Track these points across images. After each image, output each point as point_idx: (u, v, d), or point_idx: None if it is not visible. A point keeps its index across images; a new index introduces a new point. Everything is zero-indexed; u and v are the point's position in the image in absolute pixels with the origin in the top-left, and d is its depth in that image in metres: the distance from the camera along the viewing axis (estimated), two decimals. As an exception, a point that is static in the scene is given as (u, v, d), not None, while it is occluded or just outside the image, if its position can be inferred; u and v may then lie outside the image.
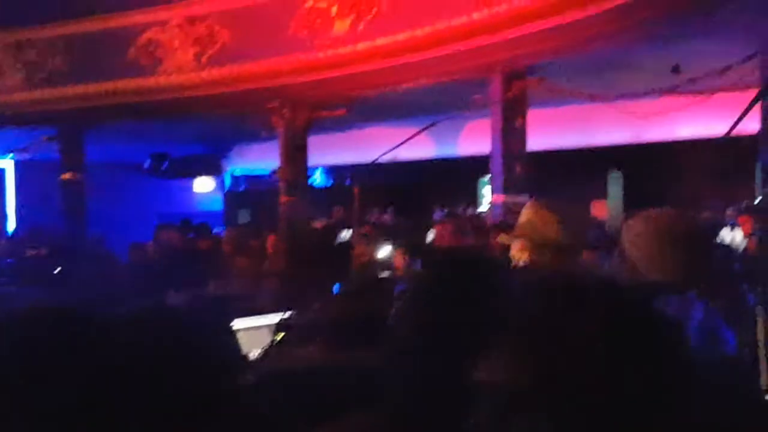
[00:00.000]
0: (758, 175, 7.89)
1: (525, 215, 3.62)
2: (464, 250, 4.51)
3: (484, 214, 13.03)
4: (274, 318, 5.39)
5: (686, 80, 8.94)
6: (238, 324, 5.54)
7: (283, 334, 4.01)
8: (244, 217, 17.49)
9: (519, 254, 3.45)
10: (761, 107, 6.60)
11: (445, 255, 2.46)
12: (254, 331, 5.45)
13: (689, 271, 2.94)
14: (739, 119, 6.57)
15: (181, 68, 12.20)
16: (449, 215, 13.78)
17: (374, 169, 13.89)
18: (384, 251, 7.22)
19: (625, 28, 8.42)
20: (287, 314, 5.53)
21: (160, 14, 12.29)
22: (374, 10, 10.45)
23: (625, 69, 10.03)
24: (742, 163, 10.81)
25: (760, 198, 7.65)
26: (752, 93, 6.91)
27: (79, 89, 12.88)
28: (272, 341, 4.14)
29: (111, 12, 12.41)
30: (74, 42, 12.83)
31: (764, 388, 2.96)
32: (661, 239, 3.00)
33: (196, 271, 9.70)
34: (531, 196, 9.47)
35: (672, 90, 9.68)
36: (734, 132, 7.37)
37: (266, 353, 3.89)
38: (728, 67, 7.71)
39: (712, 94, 9.31)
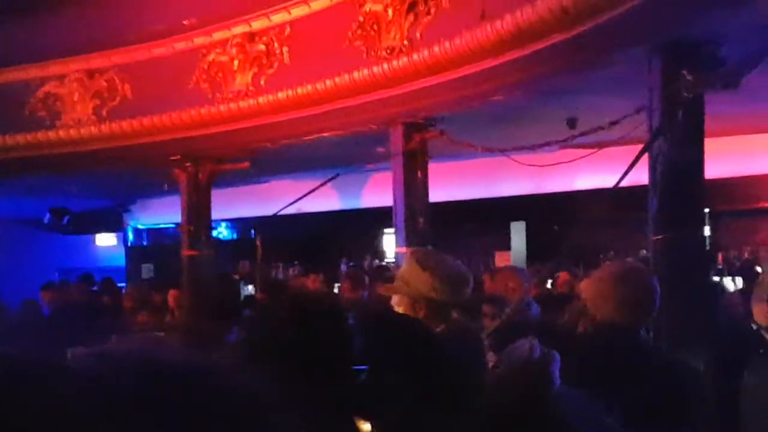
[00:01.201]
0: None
1: (401, 269, 3.61)
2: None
3: (389, 266, 13.09)
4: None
5: (581, 133, 9.20)
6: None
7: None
8: (147, 271, 17.23)
9: (397, 308, 3.40)
10: (649, 158, 6.83)
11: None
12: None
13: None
14: (628, 170, 6.79)
15: (80, 122, 12.04)
16: (354, 268, 13.82)
17: (280, 222, 13.88)
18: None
19: (520, 82, 8.64)
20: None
21: (59, 68, 12.14)
22: (276, 63, 10.52)
23: (523, 122, 10.27)
24: (642, 212, 11.17)
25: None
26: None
27: (-24, 144, 12.61)
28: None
29: (8, 66, 12.21)
30: (-30, 96, 12.58)
31: None
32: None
33: (96, 327, 9.50)
34: (434, 247, 9.57)
35: (569, 142, 9.95)
36: (632, 182, 7.65)
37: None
38: (617, 121, 7.97)
39: (609, 146, 9.59)
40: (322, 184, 9.70)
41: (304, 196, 10.66)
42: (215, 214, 13.12)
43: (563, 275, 10.37)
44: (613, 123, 7.95)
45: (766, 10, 5.88)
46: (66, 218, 17.37)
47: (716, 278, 12.05)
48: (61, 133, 12.22)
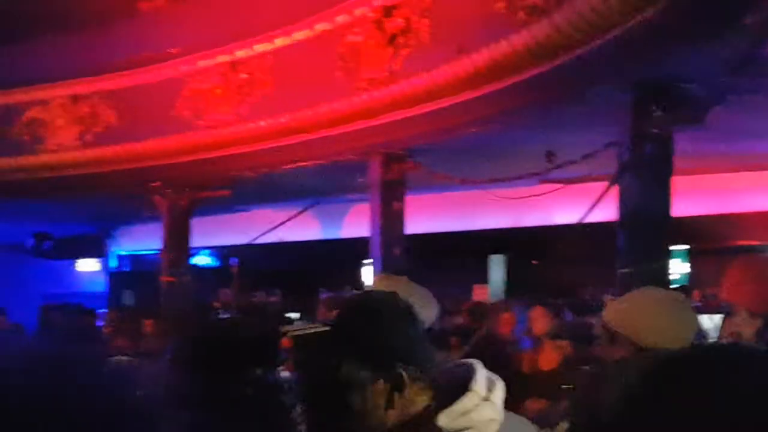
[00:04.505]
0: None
1: None
2: None
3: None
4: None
5: (556, 166, 9.29)
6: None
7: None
8: (128, 297, 17.18)
9: None
10: (619, 193, 6.92)
11: None
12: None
13: None
14: (595, 204, 6.90)
15: (63, 147, 12.10)
16: (334, 297, 13.79)
17: (261, 250, 13.89)
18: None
19: (496, 115, 8.73)
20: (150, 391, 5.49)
21: (43, 93, 12.21)
22: (258, 92, 10.61)
23: (500, 155, 10.35)
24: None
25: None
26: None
27: (-40, 168, 12.62)
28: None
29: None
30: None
31: None
32: None
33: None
34: (409, 279, 9.60)
35: (545, 175, 10.05)
36: (612, 218, 7.72)
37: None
38: (589, 155, 8.07)
39: (586, 181, 9.68)
40: (298, 213, 9.75)
41: (282, 224, 10.73)
42: (197, 242, 13.14)
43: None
44: (586, 157, 8.04)
45: (730, 51, 6.01)
46: (48, 243, 17.36)
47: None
48: (44, 157, 12.27)
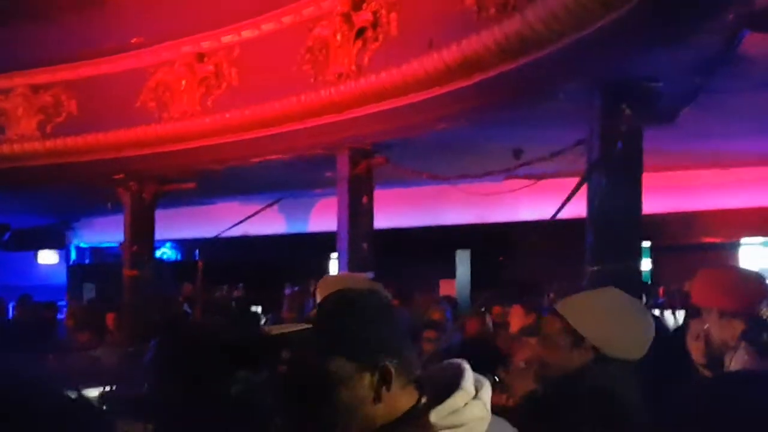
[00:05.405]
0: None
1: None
2: None
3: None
4: (98, 391, 5.26)
5: (524, 163, 9.29)
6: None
7: (104, 407, 3.92)
8: (89, 290, 16.99)
9: None
10: (588, 191, 6.92)
11: None
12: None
13: None
14: (565, 202, 6.89)
15: (24, 137, 11.90)
16: (298, 291, 13.72)
17: (225, 244, 13.78)
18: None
19: (465, 111, 8.70)
20: (112, 387, 5.40)
21: (3, 82, 12.00)
22: (224, 84, 10.50)
23: (468, 151, 10.33)
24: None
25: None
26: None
27: None
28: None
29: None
30: None
31: None
32: None
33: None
34: (375, 274, 9.56)
35: (513, 172, 10.04)
36: (577, 215, 7.73)
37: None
38: (558, 152, 8.07)
39: (554, 178, 9.69)
40: (264, 208, 9.67)
41: (248, 218, 10.64)
42: (160, 235, 12.99)
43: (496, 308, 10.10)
44: (555, 154, 8.04)
45: (700, 50, 6.02)
46: (6, 234, 17.12)
47: (657, 311, 12.15)
48: (5, 148, 12.07)
